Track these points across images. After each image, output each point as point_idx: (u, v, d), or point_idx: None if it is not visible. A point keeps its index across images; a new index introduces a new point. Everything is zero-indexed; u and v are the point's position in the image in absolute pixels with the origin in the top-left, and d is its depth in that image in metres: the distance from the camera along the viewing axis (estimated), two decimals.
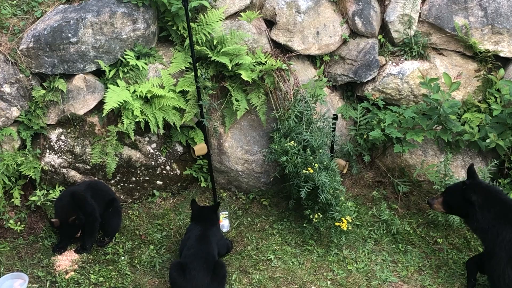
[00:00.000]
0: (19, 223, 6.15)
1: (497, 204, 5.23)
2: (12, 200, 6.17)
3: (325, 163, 6.00)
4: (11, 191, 6.19)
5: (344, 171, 6.84)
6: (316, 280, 5.67)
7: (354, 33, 7.07)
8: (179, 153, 6.77)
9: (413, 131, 6.51)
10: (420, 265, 5.89)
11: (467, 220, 5.46)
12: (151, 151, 6.58)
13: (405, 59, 7.07)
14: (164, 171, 6.68)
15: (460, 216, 5.83)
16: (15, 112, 6.03)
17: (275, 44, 6.83)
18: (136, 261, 5.85)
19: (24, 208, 6.26)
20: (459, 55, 7.20)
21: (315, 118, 6.41)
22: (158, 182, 6.70)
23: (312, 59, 7.13)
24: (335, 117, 6.67)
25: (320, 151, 6.07)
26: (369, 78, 7.03)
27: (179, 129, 6.49)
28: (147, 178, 6.62)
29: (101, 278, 5.62)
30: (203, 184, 6.85)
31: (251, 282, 5.64)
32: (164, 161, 6.66)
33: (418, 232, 6.30)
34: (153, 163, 6.60)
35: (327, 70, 7.12)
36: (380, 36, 7.15)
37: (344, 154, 7.00)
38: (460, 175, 6.70)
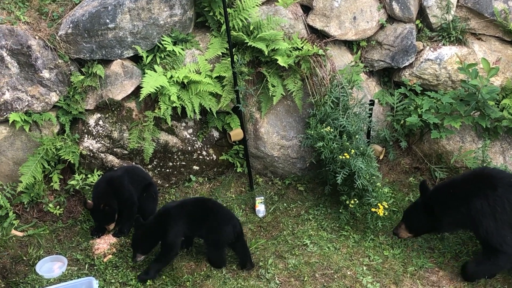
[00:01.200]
0: (58, 206, 6.24)
1: (451, 196, 5.31)
2: (52, 184, 6.26)
3: (361, 149, 5.98)
4: (51, 175, 6.29)
5: (381, 157, 6.82)
6: (352, 265, 5.67)
7: (392, 18, 7.01)
8: (216, 139, 6.80)
9: (450, 117, 6.46)
10: (457, 251, 5.85)
11: (440, 230, 5.59)
12: (188, 136, 6.62)
13: (443, 44, 7.00)
14: (201, 156, 6.72)
15: (428, 233, 5.82)
16: (54, 97, 6.11)
17: (312, 29, 6.80)
18: None
19: (63, 192, 6.35)
20: (498, 40, 7.12)
21: (351, 103, 6.38)
22: (195, 167, 6.74)
23: (349, 45, 7.09)
24: (372, 103, 6.64)
25: (357, 136, 6.05)
26: (407, 63, 6.98)
27: (215, 115, 6.52)
28: (183, 163, 6.67)
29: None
30: (239, 170, 6.88)
31: (287, 267, 5.65)
32: (200, 146, 6.69)
33: None
34: (189, 148, 6.64)
35: (364, 55, 7.08)
36: (417, 21, 7.07)
37: (381, 140, 6.97)
38: (498, 161, 6.63)
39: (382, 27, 7.02)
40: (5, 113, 5.94)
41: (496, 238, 5.10)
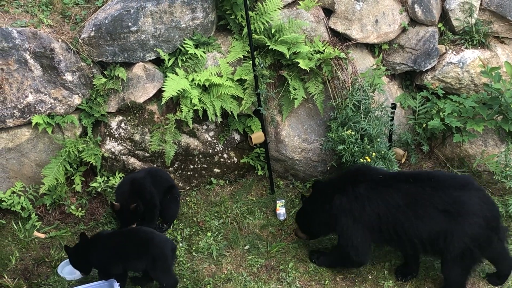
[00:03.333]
0: (80, 208, 6.28)
1: (320, 196, 5.43)
2: (74, 186, 6.31)
3: (382, 152, 5.96)
4: (73, 178, 6.33)
5: (402, 161, 6.78)
6: (373, 269, 5.64)
7: (414, 21, 6.98)
8: (237, 141, 6.81)
9: (473, 121, 6.42)
10: None
11: (318, 234, 5.70)
12: (209, 139, 6.63)
13: (466, 48, 6.96)
14: (222, 159, 6.73)
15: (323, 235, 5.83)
16: (76, 100, 6.15)
17: (333, 32, 6.79)
18: (193, 248, 5.92)
19: (85, 194, 6.39)
20: None
21: (373, 107, 6.36)
22: (216, 170, 6.75)
23: (371, 48, 7.06)
24: (394, 106, 6.61)
25: (378, 140, 6.03)
26: (429, 67, 6.95)
27: (236, 118, 6.53)
28: (204, 165, 6.68)
29: None
30: (260, 173, 6.88)
31: (307, 271, 5.65)
32: (221, 149, 6.70)
33: None
34: (210, 151, 6.65)
35: (386, 58, 7.06)
36: (440, 24, 7.04)
37: (403, 143, 6.94)
38: None
39: (404, 30, 6.99)
40: (28, 116, 5.99)
41: (346, 237, 5.19)
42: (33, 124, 5.96)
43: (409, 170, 5.89)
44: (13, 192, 6.13)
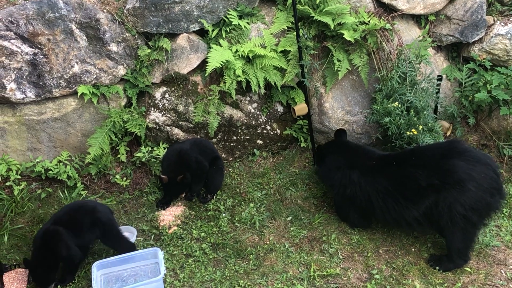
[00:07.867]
0: (125, 178, 6.35)
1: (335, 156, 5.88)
2: (118, 156, 6.37)
3: (429, 125, 5.89)
4: (118, 147, 6.40)
5: (448, 134, 6.70)
6: (417, 242, 5.61)
7: None
8: (280, 113, 6.80)
9: None
10: None
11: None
12: (252, 110, 6.63)
13: None
14: (265, 131, 6.73)
15: None
16: (121, 71, 6.19)
17: (379, 3, 6.69)
18: (236, 218, 5.95)
19: (129, 164, 6.45)
20: None
21: (419, 79, 6.28)
22: (259, 141, 6.75)
23: (417, 19, 6.96)
24: (440, 78, 6.52)
25: (425, 112, 5.96)
26: (476, 38, 6.83)
27: (280, 89, 6.51)
28: (247, 137, 6.69)
29: (203, 234, 5.75)
30: (303, 144, 6.86)
31: (350, 242, 5.64)
32: (264, 120, 6.70)
33: None
34: (253, 122, 6.65)
35: (432, 30, 6.95)
36: None
37: (448, 116, 6.85)
38: None
39: (451, 0, 6.85)
40: (74, 86, 6.05)
41: (343, 213, 5.89)
42: (78, 94, 6.03)
43: (396, 152, 5.92)
44: (59, 161, 6.22)
